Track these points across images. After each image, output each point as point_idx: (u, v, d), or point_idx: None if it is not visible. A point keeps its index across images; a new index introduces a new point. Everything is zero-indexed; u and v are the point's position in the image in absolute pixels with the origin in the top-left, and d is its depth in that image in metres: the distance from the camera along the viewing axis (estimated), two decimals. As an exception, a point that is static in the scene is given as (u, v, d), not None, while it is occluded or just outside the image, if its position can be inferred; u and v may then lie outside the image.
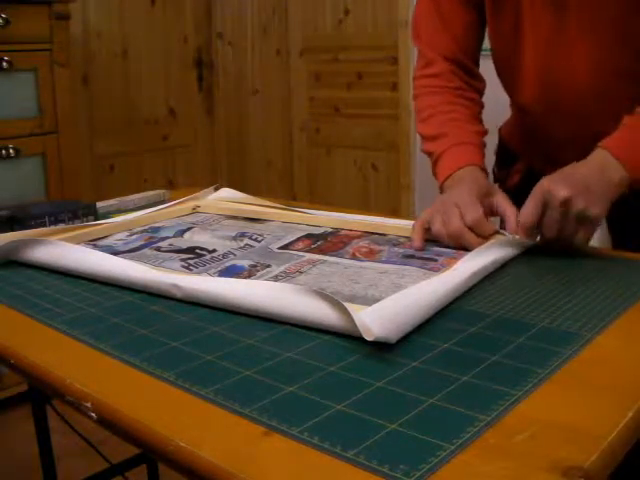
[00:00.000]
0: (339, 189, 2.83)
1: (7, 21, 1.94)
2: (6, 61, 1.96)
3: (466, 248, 0.85)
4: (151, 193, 1.30)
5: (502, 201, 0.91)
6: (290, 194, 3.00)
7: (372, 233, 0.98)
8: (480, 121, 1.09)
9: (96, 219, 1.10)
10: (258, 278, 0.78)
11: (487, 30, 1.07)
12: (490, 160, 1.11)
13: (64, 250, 0.85)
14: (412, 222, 0.98)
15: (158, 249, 0.92)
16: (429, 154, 1.06)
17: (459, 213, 0.86)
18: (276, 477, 0.42)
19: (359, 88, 2.69)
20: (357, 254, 0.87)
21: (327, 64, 2.78)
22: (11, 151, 2.00)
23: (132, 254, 0.89)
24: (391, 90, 2.57)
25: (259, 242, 0.94)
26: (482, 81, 1.12)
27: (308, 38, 2.83)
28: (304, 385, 0.53)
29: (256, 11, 3.00)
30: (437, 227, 0.88)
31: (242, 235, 0.97)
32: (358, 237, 0.96)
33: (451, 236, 0.87)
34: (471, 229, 0.86)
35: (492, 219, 0.90)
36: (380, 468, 0.42)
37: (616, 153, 0.85)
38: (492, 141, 1.17)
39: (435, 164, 1.04)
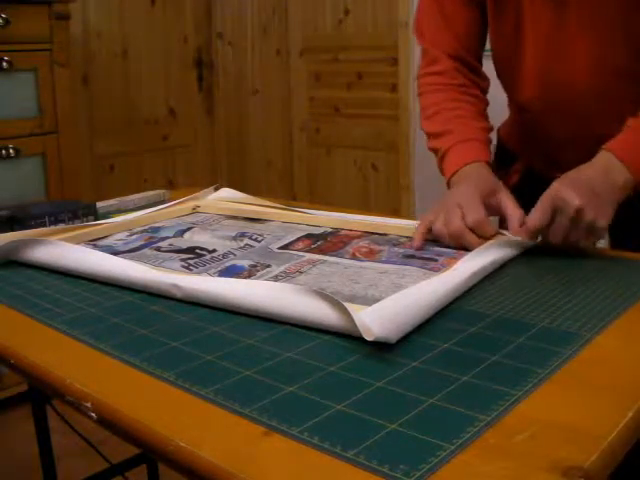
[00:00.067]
0: (339, 189, 2.83)
1: (7, 21, 1.94)
2: (6, 61, 1.96)
3: (467, 248, 0.85)
4: (151, 193, 1.30)
5: (506, 200, 0.91)
6: (290, 194, 2.99)
7: (372, 233, 0.98)
8: (485, 117, 1.09)
9: (96, 219, 1.10)
10: (258, 278, 0.78)
11: (488, 30, 1.07)
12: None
13: (64, 250, 0.85)
14: (412, 222, 0.99)
15: (158, 249, 0.92)
16: (434, 151, 1.07)
17: (461, 213, 0.86)
18: (276, 477, 0.42)
19: (359, 88, 2.69)
20: (357, 254, 0.87)
21: (327, 64, 2.78)
22: (11, 151, 2.00)
23: (132, 254, 0.89)
24: (391, 91, 2.57)
25: (259, 242, 0.94)
26: (486, 79, 1.12)
27: (308, 38, 2.83)
28: (304, 385, 0.53)
29: (256, 11, 3.00)
30: (438, 227, 0.88)
31: (242, 235, 0.97)
32: (358, 237, 0.96)
33: (452, 236, 0.87)
34: (472, 230, 0.86)
35: (491, 218, 0.90)
36: (380, 468, 0.42)
37: (620, 155, 0.86)
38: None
39: (441, 160, 1.04)
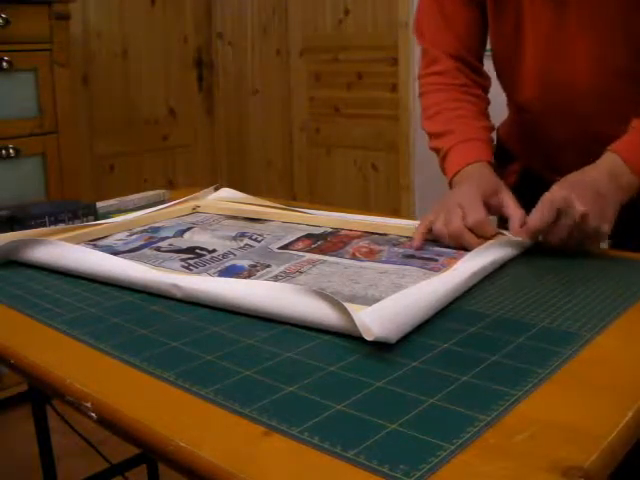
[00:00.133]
0: (339, 189, 2.83)
1: (7, 21, 1.94)
2: (6, 61, 1.96)
3: (467, 248, 0.85)
4: (151, 193, 1.30)
5: (507, 200, 0.91)
6: (290, 194, 2.99)
7: (372, 233, 0.98)
8: (487, 117, 1.09)
9: (96, 219, 1.10)
10: (258, 278, 0.78)
11: (488, 30, 1.07)
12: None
13: (64, 250, 0.85)
14: (412, 222, 0.99)
15: (158, 249, 0.92)
16: (436, 151, 1.07)
17: (461, 213, 0.86)
18: (276, 477, 0.42)
19: (359, 88, 2.69)
20: (357, 254, 0.87)
21: (327, 64, 2.78)
22: (11, 151, 2.00)
23: (132, 254, 0.89)
24: (391, 91, 2.57)
25: (259, 242, 0.94)
26: (487, 78, 1.12)
27: (308, 38, 2.83)
28: (304, 385, 0.53)
29: (256, 11, 3.00)
30: (438, 227, 0.88)
31: (242, 235, 0.97)
32: (358, 237, 0.96)
33: (452, 236, 0.87)
34: (472, 230, 0.86)
35: (491, 218, 0.90)
36: (380, 468, 0.42)
37: (625, 157, 0.86)
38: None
39: (443, 160, 1.04)
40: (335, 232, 0.99)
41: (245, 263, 0.84)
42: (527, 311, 0.67)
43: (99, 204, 1.19)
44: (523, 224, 0.87)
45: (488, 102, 1.11)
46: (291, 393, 0.51)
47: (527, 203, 0.90)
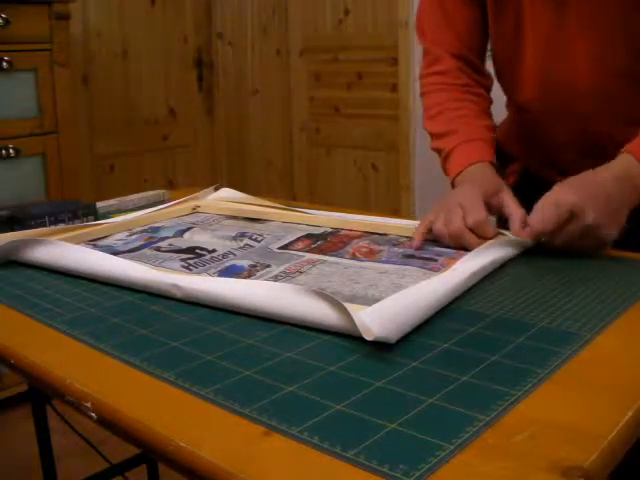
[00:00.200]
0: (339, 189, 2.83)
1: (7, 21, 1.94)
2: (6, 61, 1.96)
3: (467, 248, 0.85)
4: (151, 193, 1.30)
5: (509, 201, 0.91)
6: (290, 194, 2.99)
7: (372, 233, 0.98)
8: (489, 116, 1.09)
9: (96, 219, 1.11)
10: (258, 278, 0.78)
11: (489, 30, 1.07)
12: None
13: (64, 250, 0.85)
14: (412, 222, 0.99)
15: (158, 249, 0.92)
16: (438, 151, 1.06)
17: (461, 213, 0.86)
18: (276, 477, 0.42)
19: (359, 88, 2.69)
20: (357, 254, 0.87)
21: (327, 64, 2.78)
22: (11, 151, 2.00)
23: (132, 254, 0.89)
24: (391, 91, 2.57)
25: (259, 242, 0.94)
26: (489, 78, 1.11)
27: (308, 38, 2.83)
28: (304, 385, 0.53)
29: (256, 11, 3.00)
30: (439, 226, 0.88)
31: (242, 235, 0.97)
32: (358, 237, 0.96)
33: (452, 236, 0.87)
34: (472, 230, 0.86)
35: (490, 217, 0.90)
36: (380, 468, 0.42)
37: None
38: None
39: (445, 160, 1.04)
40: (335, 232, 0.99)
41: (245, 263, 0.84)
42: (527, 311, 0.67)
43: (99, 204, 1.19)
44: (524, 224, 0.86)
45: (490, 101, 1.11)
46: (291, 393, 0.51)
47: (527, 203, 0.90)
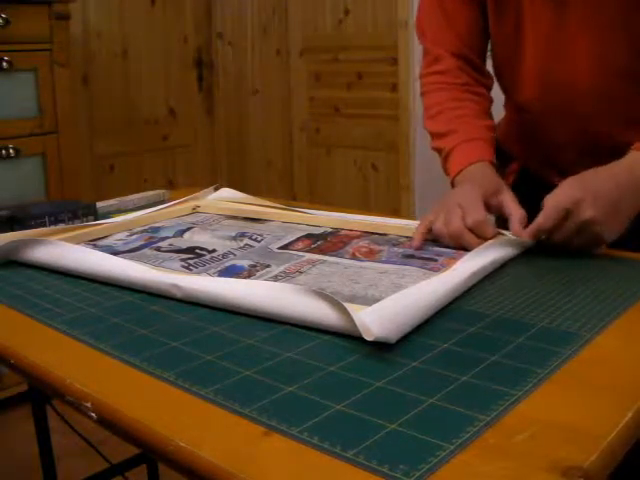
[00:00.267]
0: (339, 189, 2.83)
1: (7, 21, 1.94)
2: (6, 61, 1.96)
3: (466, 248, 0.85)
4: (151, 193, 1.30)
5: (508, 201, 0.91)
6: (290, 194, 3.00)
7: (372, 233, 0.98)
8: (490, 115, 1.08)
9: (96, 219, 1.11)
10: (258, 278, 0.78)
11: (489, 30, 1.07)
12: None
13: (64, 250, 0.85)
14: (412, 222, 0.99)
15: (158, 249, 0.92)
16: (438, 151, 1.06)
17: (461, 213, 0.86)
18: (276, 477, 0.42)
19: (359, 88, 2.69)
20: (357, 254, 0.87)
21: (327, 64, 2.78)
22: (11, 151, 2.00)
23: (132, 254, 0.89)
24: (391, 91, 2.57)
25: (259, 242, 0.94)
26: (490, 77, 1.11)
27: (308, 38, 2.83)
28: (304, 385, 0.53)
29: (256, 11, 3.00)
30: (438, 226, 0.88)
31: (242, 235, 0.97)
32: (358, 237, 0.96)
33: (451, 236, 0.87)
34: (472, 230, 0.86)
35: (489, 216, 0.90)
36: (380, 468, 0.42)
37: None
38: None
39: (445, 160, 1.04)
40: (335, 232, 0.99)
41: (245, 263, 0.84)
42: (527, 311, 0.67)
43: (99, 204, 1.19)
44: (524, 224, 0.86)
45: (491, 100, 1.11)
46: (291, 393, 0.51)
47: (526, 203, 0.90)
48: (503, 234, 0.88)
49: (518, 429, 0.45)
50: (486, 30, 1.07)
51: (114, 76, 2.81)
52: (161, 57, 2.96)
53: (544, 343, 0.59)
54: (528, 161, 1.14)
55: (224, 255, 0.88)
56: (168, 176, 3.03)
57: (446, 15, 1.07)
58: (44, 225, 1.04)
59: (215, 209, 1.15)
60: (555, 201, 0.82)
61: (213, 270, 0.81)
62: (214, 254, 0.88)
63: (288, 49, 2.91)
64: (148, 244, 0.95)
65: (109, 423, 0.51)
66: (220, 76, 3.17)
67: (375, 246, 0.91)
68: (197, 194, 1.22)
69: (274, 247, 0.92)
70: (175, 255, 0.88)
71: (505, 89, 1.12)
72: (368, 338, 0.57)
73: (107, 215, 1.14)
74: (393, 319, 0.60)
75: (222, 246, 0.92)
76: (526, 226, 0.86)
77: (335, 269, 0.81)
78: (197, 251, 0.90)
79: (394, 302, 0.63)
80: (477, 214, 0.86)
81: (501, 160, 1.17)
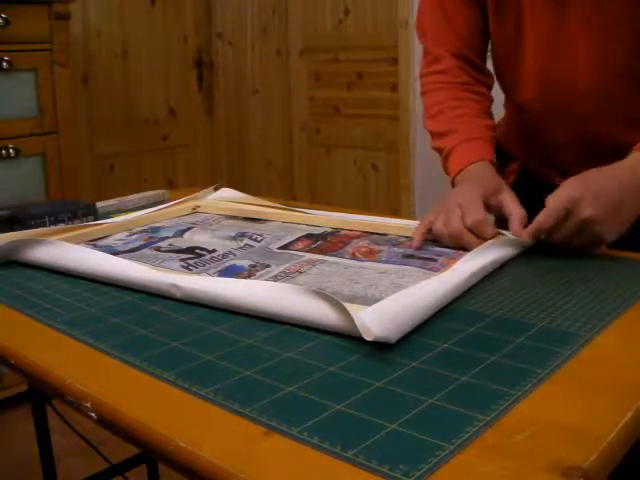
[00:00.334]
0: (339, 189, 2.84)
1: (7, 21, 1.94)
2: (6, 61, 1.96)
3: (466, 248, 0.85)
4: (151, 193, 1.30)
5: (508, 200, 0.91)
6: (290, 194, 3.00)
7: (372, 233, 0.98)
8: (490, 115, 1.08)
9: (96, 219, 1.11)
10: (258, 278, 0.78)
11: (489, 30, 1.07)
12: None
13: (64, 250, 0.85)
14: (412, 222, 0.99)
15: (158, 249, 0.92)
16: (439, 150, 1.06)
17: (460, 213, 0.86)
18: (276, 477, 0.42)
19: (359, 88, 2.69)
20: (357, 254, 0.87)
21: (327, 64, 2.78)
22: (11, 151, 2.00)
23: (132, 254, 0.89)
24: (391, 91, 2.57)
25: (259, 242, 0.94)
26: (490, 76, 1.11)
27: (308, 38, 2.83)
28: (304, 385, 0.53)
29: (256, 11, 3.00)
30: (438, 227, 0.88)
31: (242, 235, 0.97)
32: (358, 237, 0.96)
33: (451, 236, 0.87)
34: (471, 230, 0.86)
35: (489, 216, 0.90)
36: (380, 468, 0.42)
37: None
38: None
39: (445, 159, 1.04)
40: (335, 232, 0.99)
41: (245, 263, 0.84)
42: (527, 311, 0.67)
43: (99, 204, 1.19)
44: (524, 224, 0.86)
45: (491, 100, 1.11)
46: (291, 393, 0.51)
47: (526, 203, 0.90)
48: (503, 234, 0.88)
49: (518, 429, 0.45)
50: (486, 30, 1.07)
51: (114, 76, 2.81)
52: (161, 57, 2.96)
53: (544, 343, 0.59)
54: (528, 161, 1.14)
55: (224, 255, 0.88)
56: (168, 176, 3.03)
57: (446, 15, 1.07)
58: (44, 225, 1.04)
59: (215, 209, 1.15)
60: (556, 201, 0.82)
61: (213, 270, 0.81)
62: (214, 254, 0.88)
63: (288, 49, 2.91)
64: (148, 244, 0.95)
65: (109, 423, 0.51)
66: (220, 76, 3.17)
67: (375, 246, 0.91)
68: (197, 194, 1.22)
69: (274, 247, 0.92)
70: (175, 255, 0.88)
71: (505, 89, 1.12)
72: (368, 338, 0.57)
73: (107, 215, 1.14)
74: (393, 319, 0.60)
75: (222, 246, 0.92)
76: (526, 226, 0.86)
77: (335, 269, 0.81)
78: (197, 251, 0.90)
79: (394, 302, 0.63)
80: (476, 214, 0.86)
81: (501, 160, 1.17)
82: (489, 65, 1.12)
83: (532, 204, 0.88)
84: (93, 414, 0.52)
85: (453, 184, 1.01)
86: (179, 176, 3.07)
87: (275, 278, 0.78)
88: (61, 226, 1.03)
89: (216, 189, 1.26)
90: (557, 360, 0.56)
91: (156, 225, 1.06)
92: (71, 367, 0.58)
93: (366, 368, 0.55)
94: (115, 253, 0.88)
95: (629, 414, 0.47)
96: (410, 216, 2.44)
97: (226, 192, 1.24)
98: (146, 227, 1.05)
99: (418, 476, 0.41)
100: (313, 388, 0.52)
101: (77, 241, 0.95)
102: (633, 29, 0.91)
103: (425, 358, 0.57)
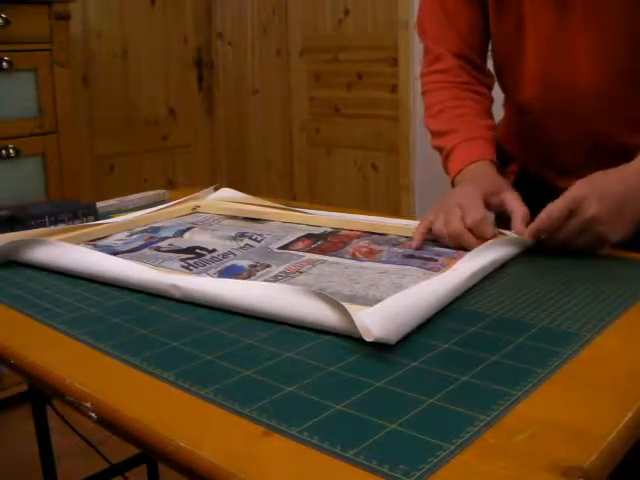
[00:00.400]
0: (339, 189, 2.83)
1: (7, 21, 1.94)
2: (6, 61, 1.96)
3: (466, 248, 0.85)
4: (151, 193, 1.30)
5: (511, 199, 0.90)
6: (290, 194, 2.99)
7: (372, 233, 0.98)
8: (490, 115, 1.08)
9: (96, 219, 1.10)
10: (258, 278, 0.78)
11: (490, 30, 1.07)
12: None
13: (64, 250, 0.85)
14: (413, 222, 0.98)
15: (158, 249, 0.92)
16: (439, 149, 1.06)
17: (460, 213, 0.86)
18: (276, 477, 0.42)
19: (359, 88, 2.69)
20: (357, 254, 0.87)
21: (327, 64, 2.78)
22: (11, 151, 2.00)
23: (132, 254, 0.89)
24: (391, 91, 2.57)
25: (259, 242, 0.94)
26: (491, 76, 1.11)
27: (308, 38, 2.83)
28: (304, 385, 0.53)
29: (256, 11, 3.00)
30: (438, 226, 0.88)
31: (242, 235, 0.97)
32: (358, 237, 0.96)
33: (451, 236, 0.87)
34: (471, 230, 0.86)
35: (489, 214, 0.90)
36: (380, 468, 0.42)
37: None
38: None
39: (446, 159, 1.04)
40: (335, 232, 0.99)
41: (245, 263, 0.84)
42: (527, 311, 0.67)
43: (99, 204, 1.19)
44: (526, 222, 0.86)
45: (492, 100, 1.11)
46: (291, 393, 0.51)
47: (525, 203, 0.90)
48: (503, 234, 0.88)
49: (518, 429, 0.45)
50: (487, 30, 1.07)
51: (114, 76, 2.81)
52: (161, 57, 2.96)
53: (544, 343, 0.59)
54: (527, 162, 1.14)
55: (224, 255, 0.88)
56: (168, 176, 3.03)
57: (447, 14, 1.07)
58: (44, 225, 1.04)
59: (215, 209, 1.15)
60: (560, 200, 0.82)
61: (213, 270, 0.81)
62: (214, 254, 0.88)
63: (288, 49, 2.91)
64: (148, 244, 0.95)
65: (109, 423, 0.51)
66: (220, 76, 3.17)
67: (375, 246, 0.91)
68: (197, 194, 1.22)
69: (274, 247, 0.92)
70: (175, 255, 0.88)
71: (505, 89, 1.12)
72: (368, 339, 0.57)
73: (107, 215, 1.14)
74: (393, 319, 0.60)
75: (222, 246, 0.92)
76: (529, 224, 0.86)
77: (335, 269, 0.81)
78: (197, 251, 0.90)
79: (394, 302, 0.63)
80: (476, 214, 0.86)
81: (500, 161, 1.16)
82: (489, 65, 1.12)
83: (531, 205, 0.88)
84: (93, 414, 0.52)
85: (453, 183, 1.01)
86: (179, 176, 3.07)
87: (275, 278, 0.78)
88: (61, 226, 1.03)
89: (216, 189, 1.26)
90: (557, 360, 0.56)
91: (156, 225, 1.06)
92: (71, 367, 0.58)
93: (366, 368, 0.55)
94: (115, 253, 0.88)
95: (629, 414, 0.47)
96: (410, 216, 2.44)
97: (226, 192, 1.24)
98: (146, 227, 1.05)
99: (418, 476, 0.41)
100: (313, 388, 0.52)
101: (77, 241, 0.95)
102: (632, 30, 0.91)
103: (425, 358, 0.57)
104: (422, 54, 1.15)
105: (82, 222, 1.08)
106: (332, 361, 0.57)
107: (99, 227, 1.02)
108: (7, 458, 1.95)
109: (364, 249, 0.89)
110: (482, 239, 0.85)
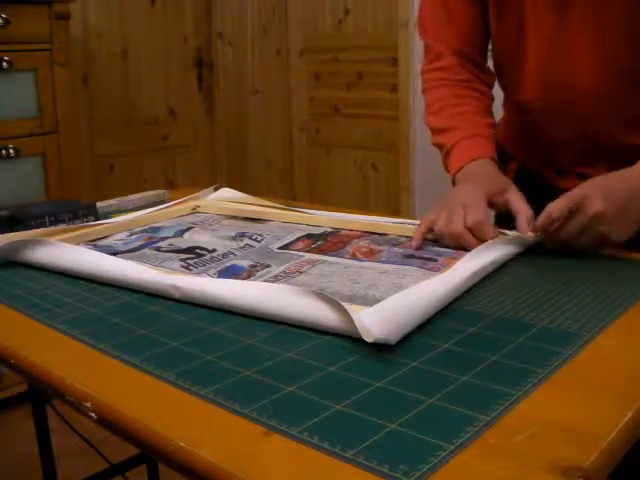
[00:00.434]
0: (339, 189, 2.83)
1: (7, 21, 1.94)
2: (6, 61, 1.96)
3: (466, 249, 0.85)
4: (151, 193, 1.30)
5: (515, 199, 0.90)
6: (290, 194, 2.99)
7: (372, 233, 0.98)
8: (490, 113, 1.08)
9: (96, 219, 1.10)
10: (258, 278, 0.78)
11: (490, 30, 1.07)
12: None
13: (64, 251, 0.85)
14: (413, 222, 0.98)
15: (158, 249, 0.92)
16: (439, 146, 1.06)
17: (462, 213, 0.86)
18: (276, 477, 0.42)
19: (359, 88, 2.69)
20: (357, 254, 0.87)
21: (327, 64, 2.78)
22: (11, 151, 2.00)
23: (132, 254, 0.89)
24: (391, 92, 2.57)
25: (259, 242, 0.94)
26: (491, 74, 1.11)
27: (308, 38, 2.83)
28: (304, 385, 0.53)
29: (256, 11, 3.00)
30: (439, 226, 0.88)
31: (242, 235, 0.97)
32: (358, 237, 0.96)
33: (451, 236, 0.87)
34: (471, 231, 0.85)
35: (490, 212, 0.89)
36: (380, 468, 0.42)
37: None
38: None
39: (446, 156, 1.04)
40: (335, 232, 0.99)
41: (245, 263, 0.84)
42: (527, 311, 0.67)
43: (99, 204, 1.19)
44: (531, 222, 0.86)
45: (492, 98, 1.10)
46: (291, 393, 0.51)
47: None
48: (504, 234, 0.88)
49: (518, 429, 0.45)
50: (487, 29, 1.07)
51: (114, 76, 2.81)
52: (161, 57, 2.96)
53: (544, 343, 0.59)
54: (527, 161, 1.14)
55: (224, 255, 0.88)
56: (168, 176, 3.03)
57: (448, 12, 1.07)
58: (44, 225, 1.04)
59: (215, 209, 1.15)
60: (562, 199, 0.82)
61: (213, 270, 0.81)
62: (214, 254, 0.88)
63: (288, 49, 2.91)
64: (148, 244, 0.95)
65: (109, 423, 0.51)
66: (220, 76, 3.17)
67: (375, 246, 0.91)
68: (197, 194, 1.22)
69: (274, 247, 0.92)
70: (175, 255, 0.88)
71: (505, 88, 1.12)
72: (368, 339, 0.57)
73: (107, 215, 1.14)
74: (393, 319, 0.60)
75: (222, 246, 0.92)
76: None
77: (335, 269, 0.81)
78: (197, 251, 0.90)
79: (394, 302, 0.63)
80: (478, 214, 0.86)
81: (500, 160, 1.16)
82: (489, 64, 1.12)
83: (530, 204, 0.88)
84: (93, 414, 0.52)
85: (454, 181, 1.01)
86: (179, 176, 3.07)
87: (275, 278, 0.78)
88: (61, 226, 1.03)
89: (216, 189, 1.26)
90: (557, 360, 0.56)
91: (156, 225, 1.06)
92: (71, 367, 0.58)
93: (366, 368, 0.55)
94: (115, 253, 0.88)
95: (629, 414, 0.47)
96: (410, 216, 2.44)
97: (226, 192, 1.24)
98: (146, 227, 1.05)
99: (418, 476, 0.41)
100: (313, 388, 0.52)
101: (77, 241, 0.95)
102: (632, 30, 0.91)
103: (425, 358, 0.57)
104: (422, 52, 1.15)
105: (82, 222, 1.08)
106: (332, 361, 0.57)
107: (99, 227, 1.02)
108: (7, 458, 1.95)
109: (364, 249, 0.89)
110: (483, 240, 0.85)
